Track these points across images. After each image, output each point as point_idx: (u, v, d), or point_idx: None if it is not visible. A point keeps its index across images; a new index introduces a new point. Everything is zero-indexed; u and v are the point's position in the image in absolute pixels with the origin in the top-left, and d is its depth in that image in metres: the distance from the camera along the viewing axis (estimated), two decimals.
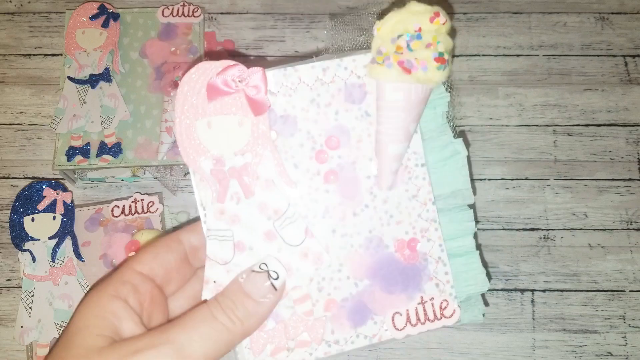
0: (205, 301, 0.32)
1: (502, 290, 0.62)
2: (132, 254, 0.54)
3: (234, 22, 0.73)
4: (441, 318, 0.35)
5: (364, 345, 0.34)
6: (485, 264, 0.36)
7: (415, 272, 0.35)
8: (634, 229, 0.64)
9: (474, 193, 0.36)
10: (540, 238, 0.64)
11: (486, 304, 0.36)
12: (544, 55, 0.71)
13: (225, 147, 0.33)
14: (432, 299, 0.35)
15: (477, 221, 0.37)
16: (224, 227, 0.33)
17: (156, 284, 0.34)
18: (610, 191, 0.66)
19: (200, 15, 0.68)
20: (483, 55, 0.71)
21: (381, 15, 0.33)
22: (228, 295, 0.31)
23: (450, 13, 0.73)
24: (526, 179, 0.66)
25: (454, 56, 0.71)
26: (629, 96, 0.69)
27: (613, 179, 0.66)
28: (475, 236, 0.36)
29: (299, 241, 0.34)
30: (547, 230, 0.64)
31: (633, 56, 0.71)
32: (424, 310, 0.35)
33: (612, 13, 0.73)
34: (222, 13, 0.73)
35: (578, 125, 0.68)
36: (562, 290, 0.62)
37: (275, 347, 0.33)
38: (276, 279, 0.32)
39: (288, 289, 0.33)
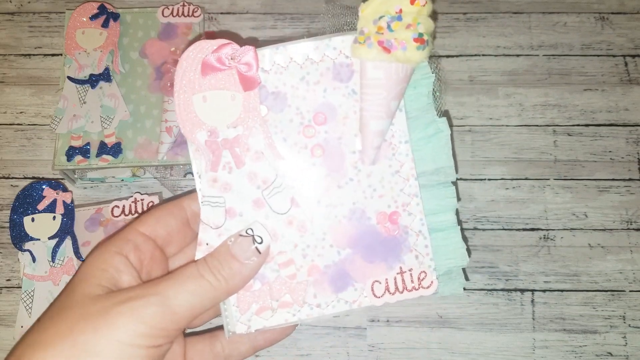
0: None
1: (502, 290, 0.62)
2: None
3: (234, 22, 0.73)
4: (419, 288, 0.36)
5: (344, 310, 0.36)
6: (466, 241, 0.38)
7: (395, 244, 0.36)
8: (634, 229, 0.64)
9: (456, 171, 0.38)
10: (540, 238, 0.64)
11: (467, 278, 0.38)
12: (544, 55, 0.71)
13: (218, 120, 0.35)
14: (410, 269, 0.36)
15: (459, 198, 0.39)
16: (217, 194, 0.35)
17: (157, 244, 0.37)
18: (610, 191, 0.66)
19: (200, 15, 0.68)
20: (483, 55, 0.71)
21: None
22: (216, 256, 0.34)
23: (450, 13, 0.73)
24: (526, 179, 0.66)
25: (455, 56, 0.71)
26: (629, 96, 0.69)
27: (613, 179, 0.66)
28: (457, 213, 0.37)
29: (285, 210, 0.36)
30: (547, 230, 0.64)
31: (633, 56, 0.71)
32: (403, 280, 0.36)
33: (612, 13, 0.73)
34: (222, 13, 0.73)
35: (578, 125, 0.68)
36: (562, 290, 0.62)
37: (260, 307, 0.36)
38: (260, 243, 0.34)
39: (274, 253, 0.36)
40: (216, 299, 0.33)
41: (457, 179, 0.66)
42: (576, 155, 0.67)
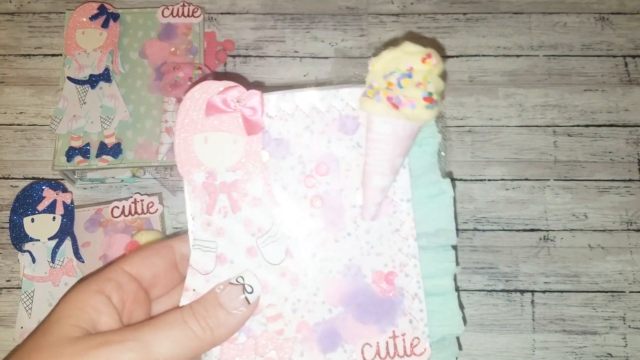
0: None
1: (502, 291, 0.62)
2: None
3: (234, 22, 0.73)
4: (411, 355, 0.35)
5: None
6: (462, 309, 0.37)
7: (390, 306, 0.35)
8: (633, 230, 0.64)
9: (457, 234, 0.36)
10: (540, 239, 0.64)
11: (460, 348, 0.37)
12: (544, 56, 0.71)
13: (218, 162, 0.34)
14: (404, 334, 0.35)
15: (458, 263, 0.38)
16: (209, 239, 0.34)
17: (142, 285, 0.35)
18: (610, 192, 0.66)
19: (200, 15, 0.67)
20: (483, 55, 0.71)
21: (377, 52, 0.34)
22: (202, 304, 0.32)
23: (450, 13, 0.73)
24: (526, 179, 0.66)
25: (455, 56, 0.71)
26: (629, 97, 0.69)
27: (613, 180, 0.66)
28: (455, 278, 0.36)
29: (279, 260, 0.34)
30: (547, 231, 0.64)
31: (633, 56, 0.71)
32: (395, 345, 0.35)
33: (612, 13, 0.73)
34: (222, 13, 0.73)
35: (578, 125, 0.68)
36: (562, 291, 0.62)
37: None
38: (251, 292, 0.33)
39: (263, 306, 0.34)
40: (200, 349, 0.32)
41: (457, 179, 0.66)
42: (576, 155, 0.67)
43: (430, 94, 0.33)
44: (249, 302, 0.33)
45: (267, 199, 0.34)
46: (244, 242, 0.34)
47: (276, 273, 0.34)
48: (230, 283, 0.33)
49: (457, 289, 0.36)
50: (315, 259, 0.35)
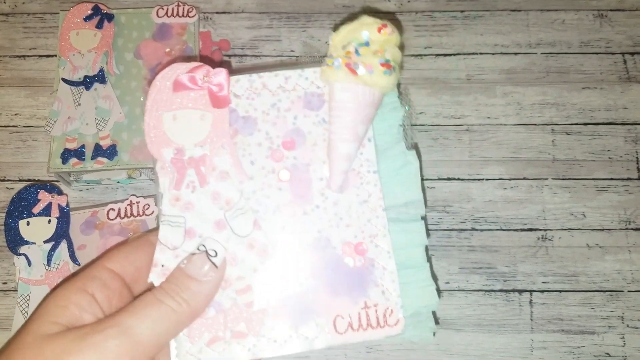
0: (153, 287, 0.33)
1: (500, 291, 0.62)
2: None
3: (230, 22, 0.72)
4: (384, 326, 0.35)
5: (304, 349, 0.34)
6: (435, 281, 0.36)
7: (361, 277, 0.35)
8: (632, 229, 0.64)
9: (425, 205, 0.37)
10: (538, 238, 0.64)
11: (437, 322, 0.36)
12: (542, 54, 0.71)
13: (186, 139, 0.35)
14: (376, 305, 0.35)
15: (428, 234, 0.38)
16: (177, 214, 0.35)
17: (125, 282, 0.35)
18: (608, 191, 0.65)
19: (195, 15, 0.67)
20: (481, 53, 0.71)
21: (336, 28, 0.36)
22: (172, 280, 0.33)
23: (448, 11, 0.72)
24: (524, 178, 0.66)
25: (452, 54, 0.71)
26: (627, 94, 0.69)
27: (611, 179, 0.66)
28: (427, 249, 0.36)
29: (247, 232, 0.35)
30: (545, 230, 0.64)
31: (632, 54, 0.70)
32: (367, 315, 0.35)
33: (611, 10, 0.72)
34: (217, 12, 0.73)
35: (576, 124, 0.68)
36: (560, 291, 0.62)
37: (212, 337, 0.34)
38: (215, 256, 0.33)
39: (232, 279, 0.34)
40: (180, 323, 0.32)
41: (455, 179, 0.66)
42: (574, 154, 0.67)
43: (387, 60, 0.35)
44: (216, 266, 0.33)
45: (234, 172, 0.35)
46: (212, 215, 0.35)
47: (244, 245, 0.35)
48: (193, 254, 0.33)
49: (430, 261, 0.36)
50: (285, 231, 0.35)
